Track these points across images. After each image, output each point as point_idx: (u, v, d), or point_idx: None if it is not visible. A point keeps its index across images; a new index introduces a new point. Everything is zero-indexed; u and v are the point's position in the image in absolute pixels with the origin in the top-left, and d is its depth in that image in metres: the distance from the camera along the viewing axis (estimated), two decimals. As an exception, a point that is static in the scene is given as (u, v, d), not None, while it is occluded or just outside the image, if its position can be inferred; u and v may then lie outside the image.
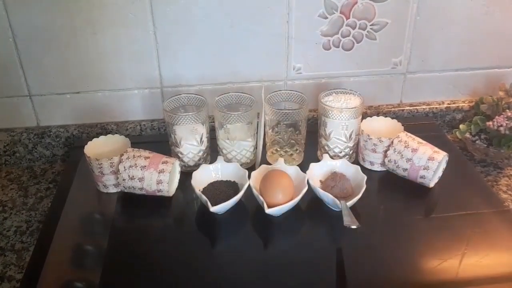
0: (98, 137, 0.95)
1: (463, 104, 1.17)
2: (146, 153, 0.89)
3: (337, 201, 0.82)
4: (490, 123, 1.01)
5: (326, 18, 1.03)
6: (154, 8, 0.98)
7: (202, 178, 0.90)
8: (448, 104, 1.17)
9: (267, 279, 0.75)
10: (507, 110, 1.01)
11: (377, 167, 0.97)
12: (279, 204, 0.81)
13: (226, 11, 1.00)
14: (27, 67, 1.01)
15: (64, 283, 0.75)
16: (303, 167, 0.91)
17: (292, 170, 0.89)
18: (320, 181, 0.90)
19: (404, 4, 1.04)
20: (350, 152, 0.97)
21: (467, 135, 1.07)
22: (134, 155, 0.87)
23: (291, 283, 0.74)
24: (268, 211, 0.80)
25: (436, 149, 0.90)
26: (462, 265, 0.76)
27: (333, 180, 0.87)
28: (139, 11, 0.97)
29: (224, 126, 0.93)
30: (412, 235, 0.83)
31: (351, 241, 0.81)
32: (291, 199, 0.82)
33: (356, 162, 0.99)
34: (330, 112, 0.93)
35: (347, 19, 1.04)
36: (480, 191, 0.93)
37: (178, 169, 0.92)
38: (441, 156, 0.88)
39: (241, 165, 0.93)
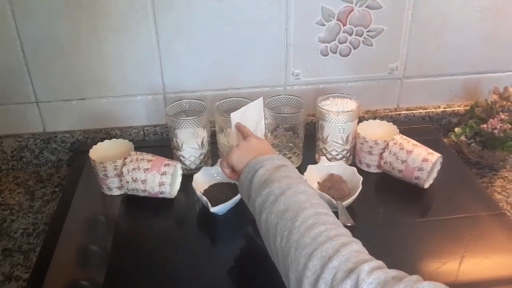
0: (102, 141, 0.98)
1: (459, 108, 1.20)
2: (149, 156, 0.92)
3: (334, 202, 0.85)
4: (485, 126, 1.03)
5: (324, 25, 1.06)
6: (156, 16, 1.01)
7: (203, 180, 0.92)
8: (444, 108, 1.20)
9: (267, 278, 0.77)
10: (501, 113, 1.03)
11: (374, 169, 0.99)
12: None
13: (227, 19, 1.03)
14: (34, 74, 1.04)
15: (70, 283, 0.78)
16: (301, 169, 0.93)
17: (291, 172, 0.92)
18: (318, 182, 0.93)
19: (399, 10, 1.06)
20: (347, 155, 1.00)
21: (463, 138, 1.09)
22: (137, 158, 0.90)
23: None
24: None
25: (431, 150, 0.92)
26: (462, 268, 0.77)
27: (330, 182, 0.90)
28: (142, 19, 1.01)
29: (225, 130, 0.96)
30: (409, 237, 0.84)
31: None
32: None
33: (353, 164, 1.01)
34: (327, 115, 0.95)
35: (344, 26, 1.07)
36: (475, 194, 0.94)
37: (179, 171, 0.95)
38: (435, 158, 0.91)
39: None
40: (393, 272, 0.50)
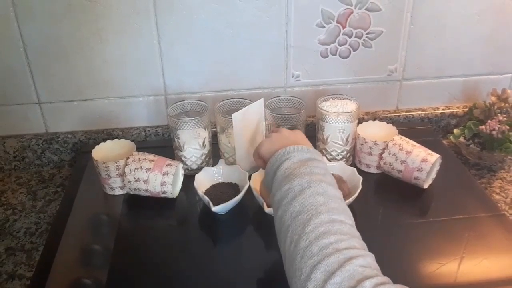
0: (105, 142, 0.99)
1: (457, 110, 1.21)
2: (151, 156, 0.92)
3: (334, 201, 0.85)
4: (483, 127, 1.04)
5: (324, 27, 1.07)
6: (158, 18, 1.02)
7: (204, 180, 0.93)
8: (443, 109, 1.21)
9: (267, 276, 0.78)
10: (499, 115, 1.05)
11: (373, 170, 1.00)
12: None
13: (228, 21, 1.04)
14: (36, 75, 1.05)
15: (73, 281, 0.78)
16: (302, 169, 0.94)
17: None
18: (318, 182, 0.94)
19: (398, 13, 1.08)
20: (347, 155, 1.01)
21: (461, 139, 1.10)
22: (139, 158, 0.91)
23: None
24: (267, 210, 0.83)
25: (430, 151, 0.93)
26: (461, 268, 0.78)
27: (330, 182, 0.90)
28: (144, 21, 1.02)
29: (226, 131, 0.97)
30: (409, 238, 0.85)
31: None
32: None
33: (353, 164, 1.02)
34: (327, 116, 0.96)
35: (343, 28, 1.08)
36: (474, 195, 0.95)
37: (181, 171, 0.96)
38: (434, 158, 0.92)
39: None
40: None
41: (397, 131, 1.01)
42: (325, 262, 0.51)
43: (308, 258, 0.53)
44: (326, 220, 0.56)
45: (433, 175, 0.95)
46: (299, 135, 0.74)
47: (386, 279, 0.51)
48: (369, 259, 0.53)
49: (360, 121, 1.03)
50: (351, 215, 0.61)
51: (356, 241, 0.55)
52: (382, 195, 0.97)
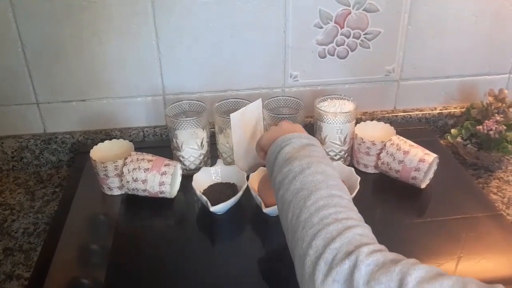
0: (103, 142, 0.99)
1: (455, 110, 1.21)
2: (149, 156, 0.93)
3: (332, 201, 0.86)
4: (480, 127, 1.04)
5: (321, 27, 1.08)
6: (157, 19, 1.02)
7: (202, 180, 0.93)
8: (440, 110, 1.21)
9: (266, 276, 0.78)
10: (496, 115, 1.05)
11: (371, 170, 1.00)
12: (276, 204, 0.84)
13: (226, 22, 1.04)
14: (35, 76, 1.05)
15: (71, 282, 0.78)
16: (300, 169, 0.94)
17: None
18: (316, 182, 0.94)
19: (396, 14, 1.08)
20: (345, 155, 1.01)
21: (459, 139, 1.10)
22: (137, 158, 0.91)
23: (289, 278, 0.76)
24: (265, 210, 0.83)
25: (427, 151, 0.94)
26: (459, 268, 0.78)
27: (328, 181, 0.91)
28: (142, 22, 1.02)
29: (224, 131, 0.97)
30: (406, 238, 0.85)
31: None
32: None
33: (350, 164, 1.02)
34: (325, 116, 0.96)
35: (341, 28, 1.08)
36: (472, 195, 0.95)
37: (179, 171, 0.96)
38: (432, 158, 0.92)
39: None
40: (392, 255, 0.52)
41: (395, 131, 1.01)
42: (325, 230, 0.55)
43: (309, 228, 0.56)
44: (326, 195, 0.60)
45: (431, 175, 0.96)
46: (297, 127, 0.78)
47: (382, 246, 0.54)
48: (367, 230, 0.57)
49: (358, 121, 1.04)
50: (348, 192, 0.64)
51: (354, 214, 0.59)
52: (379, 195, 0.97)
